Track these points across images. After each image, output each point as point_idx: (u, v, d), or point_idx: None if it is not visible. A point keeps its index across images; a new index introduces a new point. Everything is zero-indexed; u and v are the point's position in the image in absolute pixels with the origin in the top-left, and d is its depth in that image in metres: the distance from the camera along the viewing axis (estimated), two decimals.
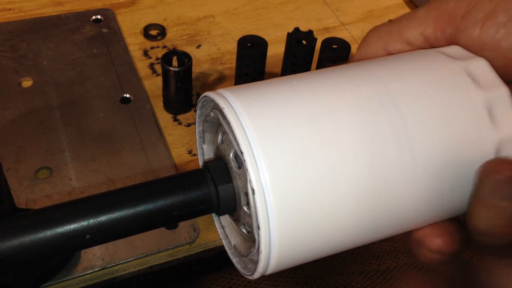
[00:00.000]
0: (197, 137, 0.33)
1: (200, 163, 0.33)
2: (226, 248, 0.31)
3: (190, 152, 0.53)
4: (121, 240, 0.42)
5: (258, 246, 0.25)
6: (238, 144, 0.24)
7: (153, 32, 0.65)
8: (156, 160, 0.51)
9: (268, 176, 0.24)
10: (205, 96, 0.28)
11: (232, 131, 0.25)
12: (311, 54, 0.55)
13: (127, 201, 0.27)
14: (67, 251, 0.33)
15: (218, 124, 0.30)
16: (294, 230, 0.24)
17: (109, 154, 0.51)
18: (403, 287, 0.29)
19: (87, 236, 0.27)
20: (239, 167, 0.27)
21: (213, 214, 0.33)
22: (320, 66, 0.57)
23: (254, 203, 0.24)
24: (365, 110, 0.26)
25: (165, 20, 0.67)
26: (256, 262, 0.26)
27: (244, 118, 0.25)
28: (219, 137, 0.30)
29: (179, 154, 0.53)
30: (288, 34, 0.55)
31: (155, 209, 0.27)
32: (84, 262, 0.43)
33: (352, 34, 0.69)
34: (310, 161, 0.24)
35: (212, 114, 0.29)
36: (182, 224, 0.46)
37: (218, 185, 0.28)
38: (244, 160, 0.24)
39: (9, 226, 0.27)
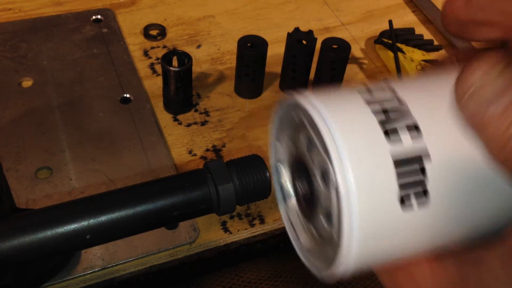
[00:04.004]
0: (273, 129, 0.31)
1: (272, 158, 0.32)
2: (298, 251, 0.31)
3: (190, 152, 0.53)
4: (121, 240, 0.42)
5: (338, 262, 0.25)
6: (336, 181, 0.24)
7: (153, 32, 0.65)
8: (156, 160, 0.51)
9: (358, 209, 0.24)
10: (291, 102, 0.27)
11: (331, 162, 0.24)
12: (311, 54, 0.55)
13: (127, 201, 0.27)
14: (67, 251, 0.33)
15: (301, 125, 0.29)
16: (370, 250, 0.25)
17: (109, 154, 0.51)
18: None
19: (87, 236, 0.27)
20: (326, 186, 0.27)
21: (290, 236, 0.32)
22: (320, 66, 0.57)
23: (341, 228, 0.24)
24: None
25: (165, 20, 0.67)
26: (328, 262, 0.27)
27: (342, 150, 0.24)
28: (302, 141, 0.29)
29: (179, 154, 0.53)
30: (288, 34, 0.55)
31: (155, 209, 0.27)
32: (84, 262, 0.43)
33: (352, 34, 0.69)
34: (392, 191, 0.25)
35: (292, 113, 0.28)
36: (182, 224, 0.46)
37: (218, 185, 0.28)
38: (341, 207, 0.24)
39: (9, 226, 0.27)
